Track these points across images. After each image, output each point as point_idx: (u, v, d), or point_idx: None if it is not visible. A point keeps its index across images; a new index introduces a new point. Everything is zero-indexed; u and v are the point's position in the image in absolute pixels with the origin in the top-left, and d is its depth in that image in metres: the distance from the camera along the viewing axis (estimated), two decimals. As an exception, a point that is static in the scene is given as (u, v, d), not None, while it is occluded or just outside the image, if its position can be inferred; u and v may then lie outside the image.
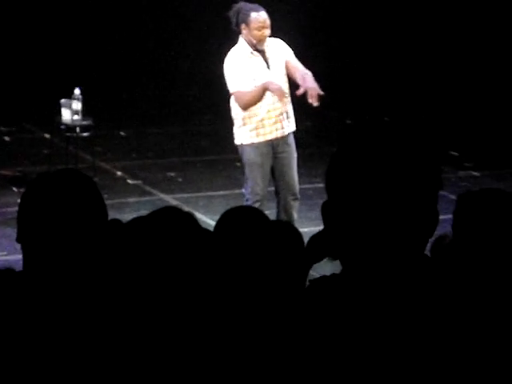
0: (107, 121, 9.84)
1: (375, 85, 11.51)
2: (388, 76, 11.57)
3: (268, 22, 6.14)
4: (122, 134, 10.44)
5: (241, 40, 6.21)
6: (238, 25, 6.18)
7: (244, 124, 6.28)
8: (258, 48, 6.17)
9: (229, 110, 6.44)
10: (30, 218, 2.14)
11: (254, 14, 6.12)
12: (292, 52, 6.35)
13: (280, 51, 6.30)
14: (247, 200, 6.34)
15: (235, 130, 6.37)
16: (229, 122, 6.56)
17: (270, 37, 6.24)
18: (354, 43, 11.82)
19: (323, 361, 1.53)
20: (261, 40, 6.14)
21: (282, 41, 6.35)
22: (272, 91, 6.05)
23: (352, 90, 11.41)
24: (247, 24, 6.12)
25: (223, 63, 6.27)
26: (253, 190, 6.30)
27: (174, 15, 11.71)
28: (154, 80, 11.61)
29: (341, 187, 1.57)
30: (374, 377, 1.51)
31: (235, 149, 6.51)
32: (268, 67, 6.23)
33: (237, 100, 6.21)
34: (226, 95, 6.33)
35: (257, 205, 6.17)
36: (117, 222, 2.36)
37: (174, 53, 11.79)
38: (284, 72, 6.29)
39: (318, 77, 6.43)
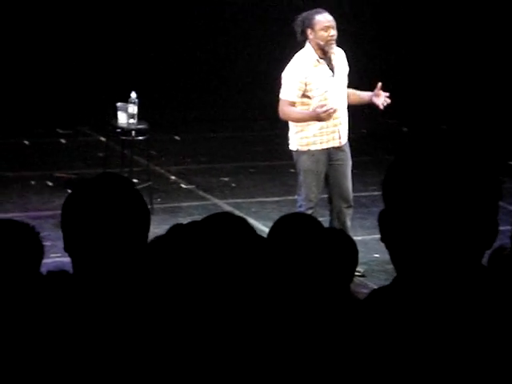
0: (162, 125, 9.90)
1: (433, 92, 11.40)
2: (446, 83, 11.46)
3: (334, 23, 6.13)
4: (177, 138, 10.50)
5: (307, 46, 6.19)
6: (303, 32, 6.16)
7: (302, 130, 6.27)
8: (326, 51, 6.13)
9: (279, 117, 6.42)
10: (73, 226, 2.12)
11: (318, 16, 6.12)
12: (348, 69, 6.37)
13: (344, 61, 6.30)
14: (300, 206, 6.33)
15: (291, 135, 6.35)
16: (283, 128, 6.54)
17: (337, 46, 6.25)
18: (411, 49, 11.73)
19: (380, 368, 1.52)
20: (328, 41, 6.10)
21: (344, 54, 6.35)
22: (321, 119, 6.05)
23: (409, 96, 11.32)
24: (313, 27, 6.10)
25: (281, 70, 6.27)
26: (306, 197, 6.28)
27: (234, 19, 11.75)
28: (210, 84, 11.66)
29: (398, 196, 1.57)
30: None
31: (289, 155, 6.49)
32: (333, 75, 6.21)
33: (280, 107, 6.22)
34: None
35: (309, 212, 6.15)
36: (179, 226, 2.36)
37: (230, 57, 11.83)
38: (346, 82, 6.28)
39: (374, 83, 6.40)
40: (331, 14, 6.20)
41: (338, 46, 6.26)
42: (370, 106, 6.43)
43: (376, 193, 6.86)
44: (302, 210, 6.25)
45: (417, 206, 1.53)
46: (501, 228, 1.63)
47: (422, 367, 1.50)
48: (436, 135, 1.60)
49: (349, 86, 6.39)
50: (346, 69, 6.33)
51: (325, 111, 6.00)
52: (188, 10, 11.60)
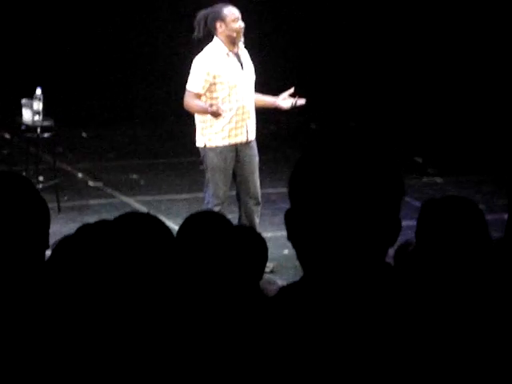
0: (68, 122, 9.75)
1: (340, 89, 11.53)
2: (353, 80, 11.60)
3: (240, 14, 6.14)
4: (84, 135, 10.36)
5: (216, 40, 6.17)
6: (212, 25, 6.13)
7: (209, 126, 6.25)
8: (235, 44, 6.14)
9: (191, 113, 6.41)
10: None
11: (227, 9, 6.14)
12: None
13: (249, 60, 6.31)
14: (208, 203, 6.31)
15: (197, 132, 6.33)
16: (191, 124, 6.51)
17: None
18: (318, 47, 11.84)
19: (288, 364, 1.53)
20: (239, 32, 6.10)
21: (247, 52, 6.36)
22: (211, 113, 6.07)
23: (317, 94, 11.42)
24: (223, 19, 6.10)
25: (188, 66, 6.25)
26: (214, 194, 6.28)
27: (141, 15, 11.66)
28: (117, 80, 11.53)
29: (304, 195, 1.58)
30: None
31: (198, 152, 6.46)
32: (242, 69, 6.22)
33: (185, 98, 6.21)
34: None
35: (217, 208, 6.17)
36: (87, 226, 2.31)
37: (137, 52, 11.73)
38: (254, 78, 6.29)
39: (283, 81, 6.43)
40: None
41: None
42: (275, 110, 6.45)
43: (285, 189, 6.87)
44: (209, 206, 6.24)
45: (321, 204, 1.54)
46: (407, 223, 1.65)
47: (329, 364, 1.51)
48: (342, 132, 1.62)
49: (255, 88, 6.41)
50: (252, 66, 6.34)
51: (212, 110, 6.02)
52: (94, 5, 11.45)
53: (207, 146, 6.27)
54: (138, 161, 9.41)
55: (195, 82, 6.16)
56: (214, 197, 6.27)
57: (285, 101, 6.29)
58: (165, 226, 2.21)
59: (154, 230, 2.18)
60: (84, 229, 2.29)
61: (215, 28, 6.12)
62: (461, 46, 11.42)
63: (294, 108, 6.32)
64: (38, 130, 7.74)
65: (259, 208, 6.37)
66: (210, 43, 6.20)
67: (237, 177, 6.30)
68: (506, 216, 2.82)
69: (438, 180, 9.04)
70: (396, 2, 11.71)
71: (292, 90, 6.31)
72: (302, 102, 6.31)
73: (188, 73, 6.26)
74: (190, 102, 6.20)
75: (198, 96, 6.17)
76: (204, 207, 6.28)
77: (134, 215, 2.27)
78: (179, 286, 2.27)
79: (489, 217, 3.03)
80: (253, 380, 1.54)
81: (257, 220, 6.35)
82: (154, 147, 10.01)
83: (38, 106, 7.67)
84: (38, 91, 7.70)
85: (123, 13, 11.62)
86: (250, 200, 6.31)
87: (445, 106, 11.05)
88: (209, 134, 6.25)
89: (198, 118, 6.31)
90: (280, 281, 6.06)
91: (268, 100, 6.39)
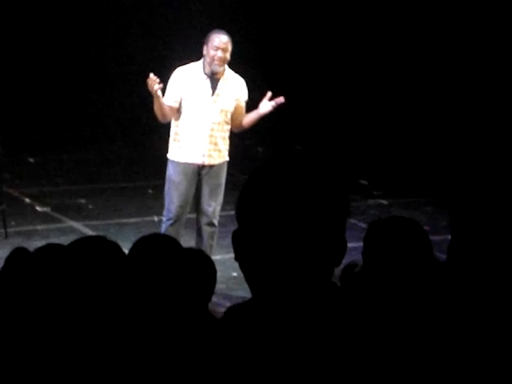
0: (14, 147, 9.66)
1: (287, 113, 11.62)
2: (300, 105, 11.69)
3: (226, 45, 6.13)
4: (31, 160, 10.26)
5: (201, 60, 6.22)
6: (202, 45, 6.20)
7: (174, 140, 6.30)
8: (212, 72, 6.16)
9: (139, 137, 6.41)
10: None
11: (214, 35, 6.15)
12: (245, 98, 6.39)
13: (236, 90, 6.30)
14: (164, 216, 6.35)
15: (170, 142, 6.36)
16: (141, 150, 6.51)
17: (235, 73, 6.30)
18: (263, 69, 11.92)
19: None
20: (213, 61, 6.12)
21: (244, 83, 6.36)
22: (150, 88, 6.01)
23: (265, 117, 11.49)
24: (207, 44, 6.15)
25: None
26: (168, 207, 6.32)
27: (93, 35, 11.61)
28: (64, 104, 11.47)
29: (250, 216, 1.59)
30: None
31: (147, 176, 6.47)
32: (212, 95, 6.22)
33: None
34: (139, 123, 6.28)
35: (169, 223, 6.21)
36: (22, 250, 2.31)
37: (84, 76, 11.67)
38: (229, 109, 6.29)
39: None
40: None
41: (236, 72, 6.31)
42: (265, 117, 6.52)
43: (233, 212, 6.90)
44: (163, 219, 6.31)
45: (267, 225, 1.56)
46: (353, 245, 1.67)
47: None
48: (288, 155, 1.63)
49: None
50: (241, 96, 6.33)
51: (150, 84, 5.98)
52: (41, 18, 11.37)
53: (169, 157, 6.32)
54: (86, 185, 9.36)
55: (168, 94, 6.19)
56: (166, 210, 6.31)
57: (265, 106, 6.38)
58: (116, 246, 2.22)
59: (105, 253, 2.18)
60: (18, 252, 2.28)
61: (202, 49, 6.18)
62: (395, 73, 11.58)
63: (277, 107, 6.40)
64: (-16, 155, 7.66)
65: (215, 230, 6.36)
66: (197, 61, 6.24)
67: (196, 195, 6.33)
68: (449, 237, 2.88)
69: (384, 202, 9.14)
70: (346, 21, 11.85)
71: (269, 94, 6.37)
72: (281, 100, 6.35)
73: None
74: (156, 108, 6.17)
75: (173, 109, 6.17)
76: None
77: (88, 239, 2.28)
78: (128, 306, 2.28)
79: (433, 237, 3.09)
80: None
81: (210, 241, 6.35)
82: (102, 171, 9.96)
83: (-16, 130, 7.59)
84: (-16, 116, 7.63)
85: (69, 39, 11.56)
86: (203, 219, 6.32)
87: (388, 129, 11.19)
88: (172, 147, 6.30)
89: (171, 129, 6.33)
90: (229, 303, 6.07)
91: (253, 115, 6.42)
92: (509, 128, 9.94)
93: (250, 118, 6.46)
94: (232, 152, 6.59)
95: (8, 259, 2.35)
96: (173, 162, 6.28)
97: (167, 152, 6.39)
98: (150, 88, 6.03)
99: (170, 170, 6.30)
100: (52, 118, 11.15)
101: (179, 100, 6.19)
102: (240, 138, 6.88)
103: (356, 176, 9.62)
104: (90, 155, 10.60)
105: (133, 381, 1.94)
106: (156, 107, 6.19)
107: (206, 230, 6.34)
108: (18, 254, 2.27)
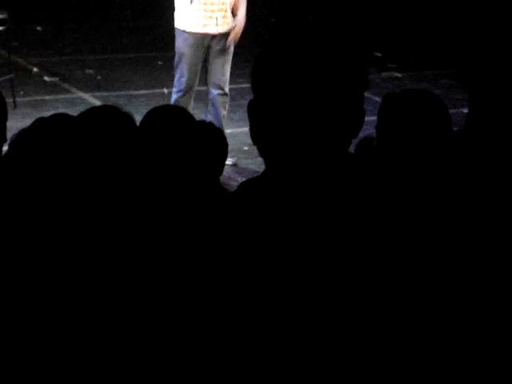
0: (23, 15, 9.50)
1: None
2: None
3: None
4: (39, 28, 10.11)
5: None
6: None
7: (184, 9, 6.17)
8: None
9: (149, 7, 6.27)
10: None
11: None
12: None
13: None
14: (174, 87, 6.30)
15: (176, 10, 6.25)
16: (151, 18, 6.38)
17: None
18: None
19: (251, 261, 1.52)
20: None
21: None
22: None
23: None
24: None
25: None
26: (178, 79, 6.29)
27: None
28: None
29: (267, 85, 1.55)
30: (301, 280, 1.50)
31: (157, 47, 6.37)
32: None
33: None
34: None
35: (179, 95, 6.20)
36: (43, 119, 2.27)
37: None
38: None
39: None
40: None
41: None
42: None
43: (244, 85, 6.83)
44: (174, 90, 6.27)
45: (284, 94, 1.52)
46: (367, 119, 1.64)
47: (289, 260, 1.51)
48: (303, 25, 1.58)
49: None
50: None
51: None
52: None
53: (178, 27, 6.21)
54: (95, 55, 9.24)
55: None
56: (178, 82, 6.28)
57: (233, 31, 6.22)
58: (129, 118, 2.17)
59: (114, 122, 2.14)
60: (40, 121, 2.25)
61: None
62: None
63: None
64: (-9, 23, 7.54)
65: (226, 99, 6.34)
66: None
67: (207, 65, 6.26)
68: (465, 110, 2.82)
69: (398, 75, 9.02)
70: None
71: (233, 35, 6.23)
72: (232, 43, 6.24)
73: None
74: None
75: None
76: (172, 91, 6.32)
77: (97, 108, 2.24)
78: (139, 179, 2.26)
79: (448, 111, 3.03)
80: (213, 276, 1.54)
81: (223, 111, 6.34)
82: (111, 41, 9.82)
83: (-10, -2, 7.45)
84: (-9, -17, 7.48)
85: None
86: (215, 89, 6.28)
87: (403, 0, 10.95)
88: (181, 17, 6.18)
89: None
90: (240, 177, 6.08)
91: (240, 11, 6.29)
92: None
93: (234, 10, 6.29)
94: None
95: (12, 143, 2.32)
96: (182, 32, 6.18)
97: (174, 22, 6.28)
98: None
99: (180, 42, 6.22)
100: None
101: None
102: (251, 9, 6.71)
103: (369, 48, 9.46)
104: (98, 25, 10.43)
105: (143, 277, 1.93)
106: None
107: (219, 100, 6.30)
108: (21, 136, 2.23)
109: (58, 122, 2.16)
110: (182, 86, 6.23)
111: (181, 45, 6.20)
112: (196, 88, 6.33)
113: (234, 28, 6.25)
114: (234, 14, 6.33)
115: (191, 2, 6.11)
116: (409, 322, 1.51)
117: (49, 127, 2.15)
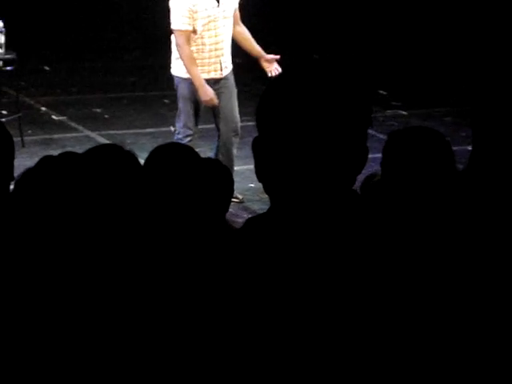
0: (31, 55, 9.59)
1: (304, 21, 11.45)
2: (318, 12, 11.52)
3: None
4: (47, 68, 10.20)
5: None
6: None
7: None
8: None
9: (155, 46, 6.32)
10: None
11: None
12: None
13: None
14: (178, 133, 6.31)
15: (173, 60, 6.25)
16: (157, 57, 6.43)
17: None
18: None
19: (254, 294, 1.53)
20: None
21: None
22: (201, 99, 6.05)
23: (284, 25, 11.33)
24: None
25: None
26: (185, 125, 6.28)
27: None
28: (82, 13, 11.33)
29: (272, 123, 1.56)
30: (304, 313, 1.51)
31: (163, 86, 6.41)
32: (218, 5, 6.10)
33: (176, 40, 6.09)
34: (159, 30, 6.17)
35: (187, 139, 6.19)
36: (49, 158, 2.29)
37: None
38: (232, 13, 6.20)
39: (249, 11, 6.34)
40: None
41: None
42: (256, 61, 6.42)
43: (251, 123, 6.85)
44: (179, 136, 6.25)
45: (289, 132, 1.53)
46: (371, 156, 1.65)
47: (294, 294, 1.52)
48: (308, 63, 1.60)
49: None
50: (235, 1, 6.24)
51: (207, 99, 6.02)
52: None
53: (180, 76, 6.21)
54: (102, 94, 9.31)
55: (178, 19, 6.03)
56: (184, 127, 6.27)
57: (269, 64, 6.26)
58: (132, 156, 2.19)
59: (120, 161, 2.16)
60: (45, 160, 2.27)
61: None
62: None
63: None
64: (1, 63, 7.61)
65: (237, 139, 6.35)
66: None
67: (215, 109, 6.26)
68: (469, 147, 2.84)
69: (403, 112, 9.06)
70: None
71: (278, 57, 6.29)
72: (279, 70, 6.28)
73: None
74: (182, 47, 6.02)
75: (189, 34, 6.04)
76: (175, 138, 6.29)
77: (102, 147, 2.26)
78: (145, 217, 2.27)
79: (452, 148, 3.05)
80: (217, 310, 1.54)
81: (234, 151, 6.35)
82: (118, 81, 9.90)
83: (0, 39, 7.53)
84: (0, 24, 7.55)
85: None
86: (229, 131, 6.29)
87: (409, 38, 11.02)
88: (182, 66, 6.16)
89: (174, 46, 6.21)
90: (246, 214, 6.09)
91: (256, 50, 6.34)
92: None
93: (250, 46, 6.34)
94: (247, 61, 6.51)
95: (18, 182, 2.34)
96: (185, 79, 6.15)
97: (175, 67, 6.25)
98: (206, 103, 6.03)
99: (184, 89, 6.18)
100: (67, 27, 11.03)
101: (192, 22, 6.04)
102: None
103: (375, 86, 9.51)
104: (105, 64, 10.52)
105: (145, 293, 1.94)
106: (190, 69, 6.05)
107: (234, 141, 6.32)
108: (27, 175, 2.25)
109: (63, 161, 2.18)
110: (190, 131, 6.23)
111: (185, 92, 6.17)
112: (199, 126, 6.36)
113: (265, 56, 6.26)
114: (247, 50, 6.35)
115: (202, 51, 6.11)
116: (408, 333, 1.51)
117: (54, 166, 2.17)
